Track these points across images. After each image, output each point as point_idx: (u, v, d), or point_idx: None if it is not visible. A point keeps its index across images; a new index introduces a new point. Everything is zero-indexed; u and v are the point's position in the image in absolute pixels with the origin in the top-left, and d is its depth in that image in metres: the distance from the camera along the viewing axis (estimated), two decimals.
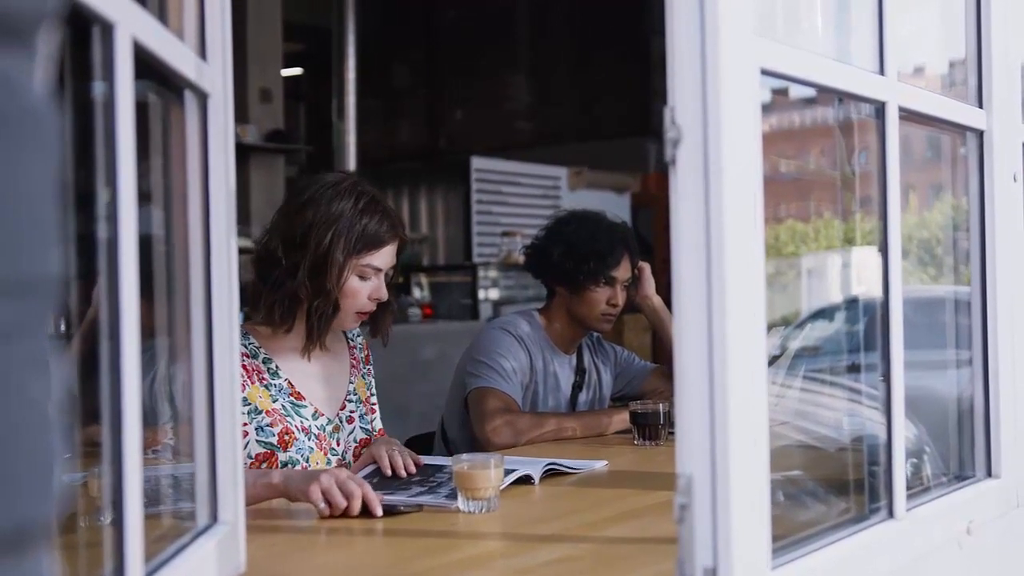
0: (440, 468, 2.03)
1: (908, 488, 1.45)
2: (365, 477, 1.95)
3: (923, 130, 1.77)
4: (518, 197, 8.17)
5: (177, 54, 1.12)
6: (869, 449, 1.56)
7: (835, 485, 1.63)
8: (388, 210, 2.16)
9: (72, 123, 0.96)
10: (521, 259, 3.22)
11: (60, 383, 0.54)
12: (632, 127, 8.58)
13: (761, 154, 1.12)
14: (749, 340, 1.10)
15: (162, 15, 1.15)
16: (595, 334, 2.97)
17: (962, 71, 1.77)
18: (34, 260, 0.52)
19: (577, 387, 2.91)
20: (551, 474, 2.07)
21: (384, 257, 2.13)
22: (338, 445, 2.17)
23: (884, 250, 1.42)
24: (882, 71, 1.41)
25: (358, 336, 2.33)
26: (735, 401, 1.07)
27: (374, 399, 2.34)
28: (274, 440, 2.06)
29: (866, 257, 1.71)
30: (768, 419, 1.14)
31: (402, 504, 1.79)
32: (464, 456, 1.84)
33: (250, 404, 2.06)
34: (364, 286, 2.11)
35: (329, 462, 2.13)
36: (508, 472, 1.93)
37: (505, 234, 7.65)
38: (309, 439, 2.11)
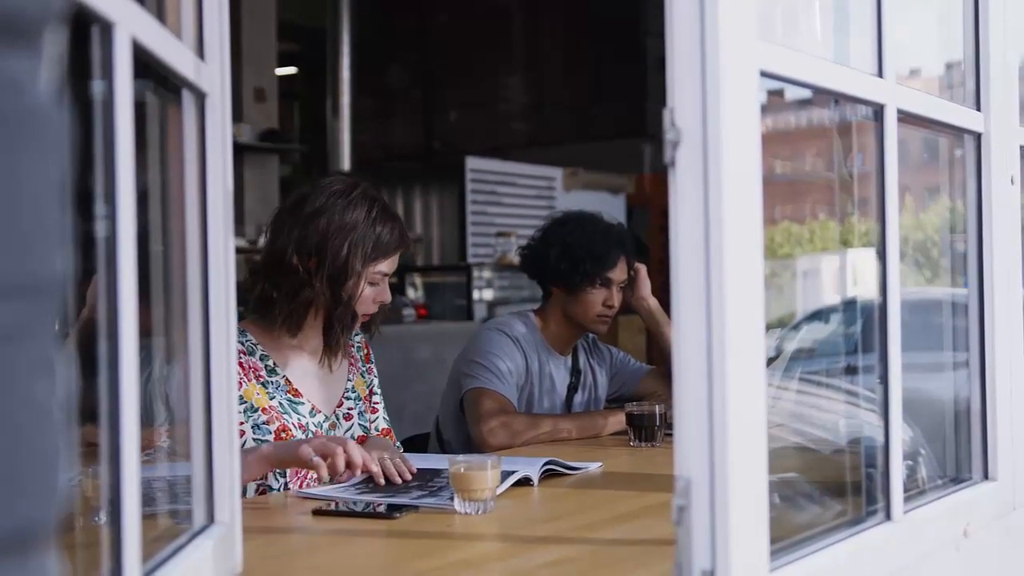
0: (438, 472, 2.03)
1: (904, 490, 1.45)
2: (360, 482, 1.94)
3: (918, 132, 1.77)
4: (513, 198, 8.17)
5: (175, 53, 1.12)
6: (866, 451, 1.56)
7: (832, 487, 1.63)
8: (397, 217, 2.20)
9: (71, 123, 0.95)
10: (516, 260, 3.22)
11: (64, 384, 0.54)
12: (627, 128, 8.59)
13: (760, 155, 1.12)
14: (748, 342, 1.10)
15: (160, 14, 1.15)
16: (591, 335, 2.97)
17: (960, 74, 1.77)
18: (40, 261, 0.51)
19: (573, 388, 2.91)
20: (548, 476, 2.07)
21: (393, 263, 2.18)
22: None
23: (882, 252, 1.42)
24: (881, 74, 1.41)
25: (357, 335, 2.34)
26: (734, 403, 1.07)
27: (376, 398, 2.35)
28: (270, 438, 2.07)
29: (862, 259, 1.71)
30: (767, 421, 1.14)
31: (401, 504, 1.79)
32: (460, 457, 1.83)
33: (246, 402, 2.06)
34: (372, 291, 2.14)
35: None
36: (507, 474, 1.93)
37: (500, 235, 7.65)
38: (306, 436, 2.12)
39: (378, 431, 2.27)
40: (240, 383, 2.07)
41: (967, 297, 1.75)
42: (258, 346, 2.14)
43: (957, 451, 1.76)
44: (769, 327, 2.05)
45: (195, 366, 1.25)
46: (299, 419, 2.12)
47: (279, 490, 2.07)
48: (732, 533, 1.06)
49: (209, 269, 1.25)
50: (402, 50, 9.83)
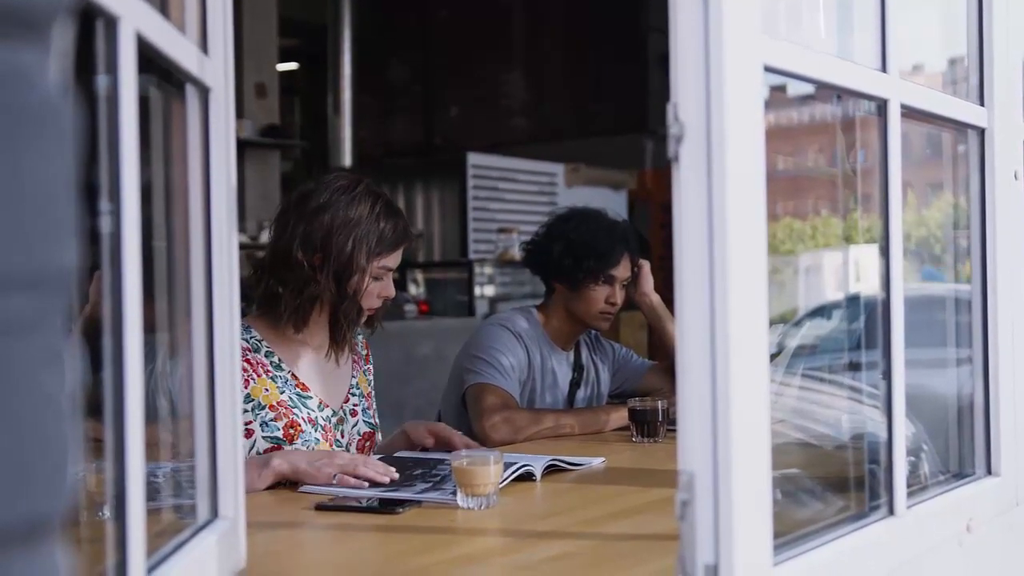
0: (441, 460, 2.03)
1: (907, 486, 1.45)
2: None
3: (921, 127, 1.77)
4: (514, 194, 8.16)
5: (179, 48, 1.12)
6: (869, 447, 1.56)
7: (835, 483, 1.63)
8: (400, 213, 2.21)
9: (78, 116, 0.95)
10: (517, 256, 3.22)
11: (73, 377, 0.54)
12: (628, 124, 8.59)
13: (764, 150, 1.12)
14: (751, 337, 1.10)
15: (164, 9, 1.15)
16: (593, 331, 2.97)
17: (963, 69, 1.77)
18: (49, 253, 0.51)
19: (575, 384, 2.91)
20: (551, 471, 2.07)
21: (397, 258, 2.19)
22: (342, 437, 2.20)
23: (885, 248, 1.42)
24: (884, 68, 1.41)
25: (359, 334, 2.35)
26: (737, 397, 1.07)
27: (372, 394, 2.36)
28: (279, 434, 2.07)
29: (864, 255, 1.71)
30: (769, 416, 1.14)
31: (404, 500, 1.79)
32: (463, 452, 1.83)
33: (253, 400, 2.07)
34: (376, 286, 2.15)
35: None
36: (508, 465, 1.93)
37: (501, 231, 7.64)
38: (316, 430, 2.12)
39: (360, 435, 2.27)
40: (247, 381, 2.07)
41: (970, 293, 1.75)
42: (263, 343, 2.15)
43: (960, 446, 1.76)
44: (771, 323, 2.05)
45: (199, 361, 1.25)
46: (308, 413, 2.13)
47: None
48: (735, 527, 1.06)
49: (212, 264, 1.25)
50: (403, 46, 9.83)
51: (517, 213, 7.97)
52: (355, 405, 2.26)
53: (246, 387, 2.06)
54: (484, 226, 7.94)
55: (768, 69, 1.15)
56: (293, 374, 2.15)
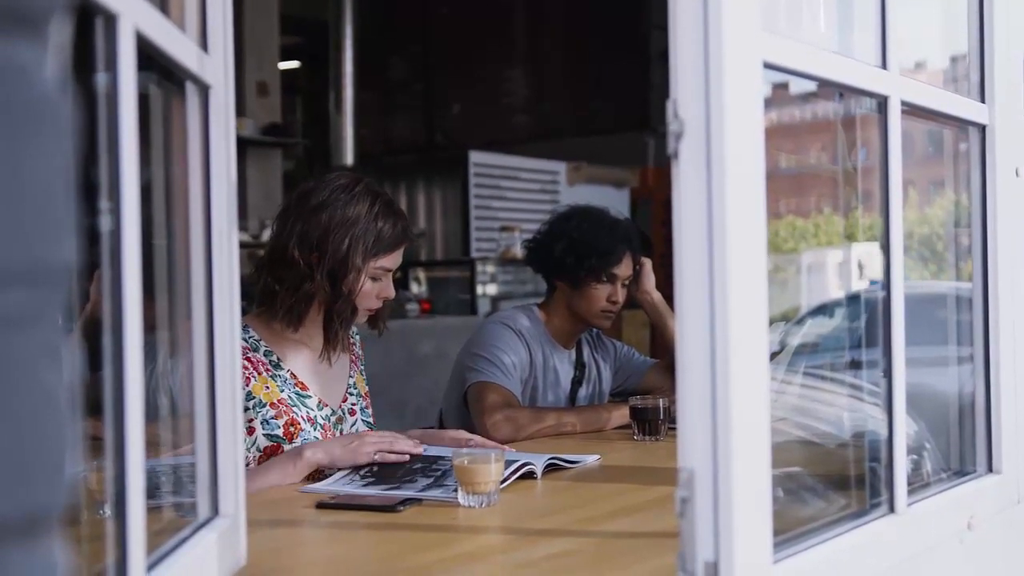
0: (441, 457, 2.03)
1: (909, 484, 1.45)
2: (364, 473, 1.95)
3: (923, 125, 1.76)
4: (516, 192, 8.17)
5: (179, 45, 1.12)
6: (870, 444, 1.56)
7: (836, 481, 1.63)
8: (400, 213, 2.21)
9: (76, 113, 0.95)
10: (519, 254, 3.22)
11: (72, 372, 0.54)
12: (630, 122, 8.58)
13: (763, 147, 1.12)
14: (751, 334, 1.10)
15: (164, 6, 1.15)
16: (595, 329, 2.97)
17: (965, 66, 1.76)
18: (47, 249, 0.51)
19: (577, 382, 2.91)
20: (551, 469, 2.07)
21: (396, 259, 2.18)
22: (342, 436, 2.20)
23: (886, 245, 1.42)
24: (884, 65, 1.41)
25: (356, 333, 2.36)
26: (737, 395, 1.07)
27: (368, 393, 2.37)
28: (279, 432, 2.08)
29: (866, 253, 1.71)
30: (770, 414, 1.14)
31: (405, 498, 1.79)
32: (464, 450, 1.83)
33: (254, 398, 2.07)
34: (375, 286, 2.15)
35: None
36: (510, 463, 1.93)
37: (503, 229, 7.65)
38: (315, 429, 2.13)
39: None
40: (248, 380, 2.08)
41: (971, 290, 1.75)
42: (261, 342, 2.15)
43: (961, 444, 1.76)
44: (774, 321, 2.05)
45: (199, 359, 1.25)
46: (307, 412, 2.13)
47: None
48: (735, 524, 1.06)
49: (213, 262, 1.25)
50: (404, 44, 9.83)
51: (519, 211, 7.98)
52: (353, 404, 2.27)
53: (247, 385, 2.06)
54: (486, 224, 7.94)
55: (768, 66, 1.15)
56: (292, 373, 2.15)
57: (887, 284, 1.43)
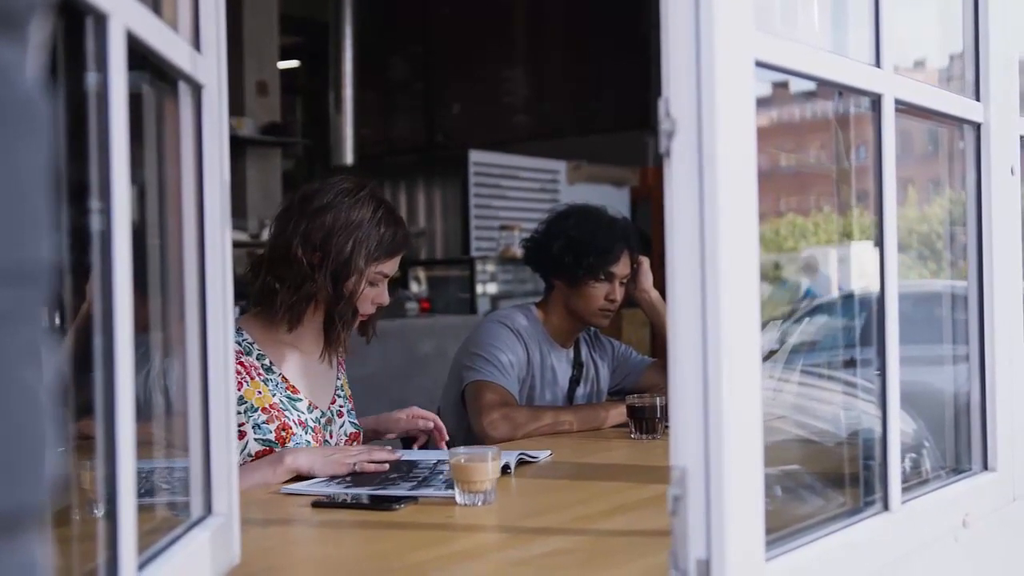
0: (415, 463, 2.06)
1: (907, 482, 1.45)
2: (340, 480, 1.96)
3: (923, 124, 1.77)
4: (516, 191, 8.17)
5: (171, 45, 1.12)
6: (866, 443, 1.56)
7: (831, 478, 1.63)
8: (401, 221, 2.23)
9: (66, 114, 0.96)
10: (519, 253, 3.22)
11: (53, 371, 0.54)
12: (631, 121, 8.58)
13: (756, 146, 1.12)
14: (743, 332, 1.10)
15: (156, 6, 1.15)
16: (593, 328, 2.97)
17: (961, 65, 1.76)
18: (27, 248, 0.52)
19: (575, 381, 2.91)
20: (550, 467, 2.08)
21: (394, 265, 2.21)
22: (331, 438, 2.21)
23: (880, 243, 1.42)
24: (878, 63, 1.41)
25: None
26: (729, 393, 1.07)
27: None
28: (271, 436, 2.08)
29: (865, 251, 1.71)
30: (763, 411, 1.14)
31: (400, 496, 1.79)
32: (461, 449, 1.84)
33: (246, 402, 2.08)
34: (371, 292, 2.17)
35: None
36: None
37: (503, 228, 7.65)
38: (306, 432, 2.14)
39: (347, 435, 2.29)
40: (240, 383, 2.08)
41: (967, 288, 1.75)
42: (254, 345, 2.16)
43: (957, 442, 1.76)
44: (772, 319, 2.05)
45: (192, 358, 1.25)
46: (298, 416, 2.14)
47: None
48: (727, 522, 1.06)
49: (206, 262, 1.25)
50: (404, 43, 9.83)
51: (519, 210, 7.98)
52: (341, 406, 2.28)
53: (239, 389, 2.07)
54: (486, 223, 7.95)
55: (760, 64, 1.15)
56: (283, 376, 2.16)
57: (881, 282, 1.43)
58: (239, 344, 2.12)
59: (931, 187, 2.01)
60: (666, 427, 2.47)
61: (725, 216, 1.06)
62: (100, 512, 1.00)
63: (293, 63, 9.55)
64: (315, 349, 2.22)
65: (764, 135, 1.15)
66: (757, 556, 1.12)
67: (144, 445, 1.29)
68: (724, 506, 1.06)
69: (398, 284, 6.87)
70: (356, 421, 2.32)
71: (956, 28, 1.76)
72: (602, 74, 8.93)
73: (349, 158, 7.74)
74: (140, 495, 1.03)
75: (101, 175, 0.92)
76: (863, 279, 1.81)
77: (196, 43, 1.23)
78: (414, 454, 2.15)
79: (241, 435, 2.06)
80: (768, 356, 2.04)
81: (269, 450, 2.07)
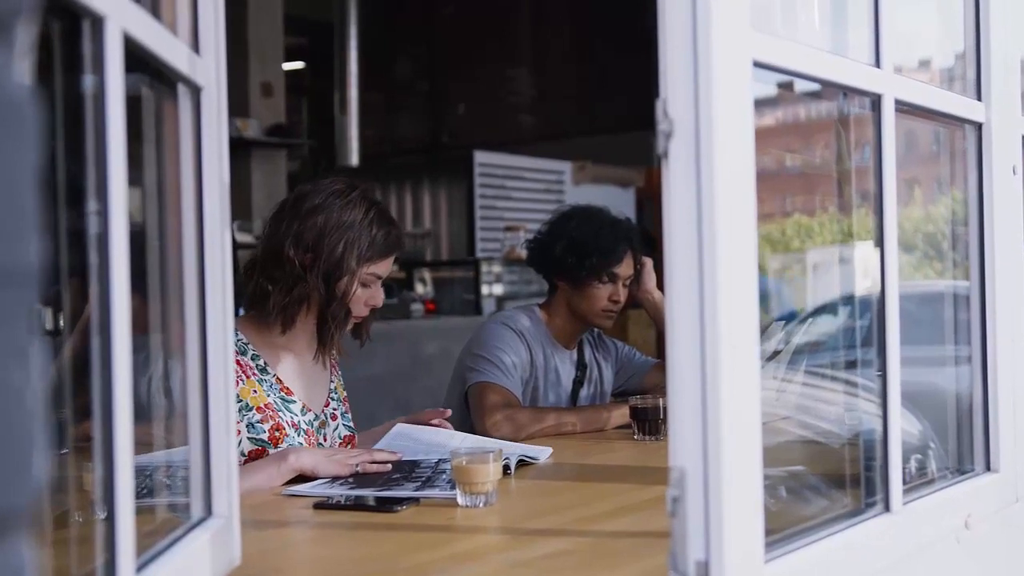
0: (417, 463, 2.05)
1: (911, 482, 1.45)
2: (343, 481, 1.96)
3: (928, 124, 1.76)
4: (521, 192, 8.17)
5: (169, 47, 1.12)
6: (867, 443, 1.56)
7: (833, 479, 1.63)
8: (393, 222, 2.23)
9: (63, 117, 0.96)
10: (524, 254, 3.22)
11: (41, 373, 0.54)
12: (636, 121, 8.54)
13: (754, 147, 1.12)
14: (741, 333, 1.10)
15: (155, 9, 1.15)
16: (596, 329, 2.97)
17: (962, 65, 1.76)
18: (14, 250, 0.52)
19: (578, 382, 2.91)
20: (552, 469, 2.08)
21: (386, 267, 2.20)
22: (324, 441, 2.21)
23: (880, 244, 1.42)
24: (878, 64, 1.40)
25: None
26: (727, 394, 1.07)
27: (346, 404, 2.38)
28: (264, 436, 2.09)
29: (868, 252, 1.70)
30: (761, 412, 1.14)
31: (403, 497, 1.79)
32: (463, 450, 1.84)
33: (241, 401, 2.08)
34: (364, 293, 2.16)
35: None
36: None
37: (508, 229, 7.65)
38: (299, 434, 2.14)
39: (341, 438, 2.29)
40: (237, 382, 2.08)
41: (969, 289, 1.74)
42: (249, 345, 2.16)
43: (959, 443, 1.76)
44: (778, 319, 2.05)
45: (192, 360, 1.25)
46: (292, 417, 2.15)
47: None
48: (726, 524, 1.06)
49: (205, 263, 1.25)
50: (409, 44, 9.83)
51: (524, 211, 7.98)
52: (335, 409, 2.29)
53: (235, 387, 2.07)
54: (491, 224, 7.94)
55: (758, 65, 1.15)
56: (278, 378, 2.17)
57: (882, 282, 1.42)
58: (235, 344, 2.13)
59: (937, 187, 2.01)
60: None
61: (723, 217, 1.06)
62: (104, 514, 1.00)
63: (298, 64, 9.55)
64: (309, 352, 2.22)
65: (770, 135, 1.15)
66: (756, 557, 1.12)
67: (147, 447, 1.29)
68: (723, 507, 1.06)
69: (403, 286, 6.87)
70: (350, 424, 2.32)
71: (956, 27, 1.76)
72: (607, 74, 8.92)
73: (354, 159, 7.74)
74: (140, 495, 1.04)
75: (98, 177, 0.92)
76: (867, 279, 1.81)
77: (195, 45, 1.23)
78: (412, 454, 2.14)
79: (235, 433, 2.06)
80: (772, 356, 2.04)
81: (262, 450, 2.07)
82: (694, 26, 1.06)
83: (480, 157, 8.04)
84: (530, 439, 2.54)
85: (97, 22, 0.91)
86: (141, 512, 1.02)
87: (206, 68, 1.24)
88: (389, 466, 2.02)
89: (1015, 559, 1.79)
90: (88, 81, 0.93)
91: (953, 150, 1.83)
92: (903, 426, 1.51)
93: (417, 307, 6.41)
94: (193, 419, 1.25)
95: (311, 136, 8.09)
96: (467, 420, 2.69)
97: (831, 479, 1.62)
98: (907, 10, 1.58)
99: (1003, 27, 1.70)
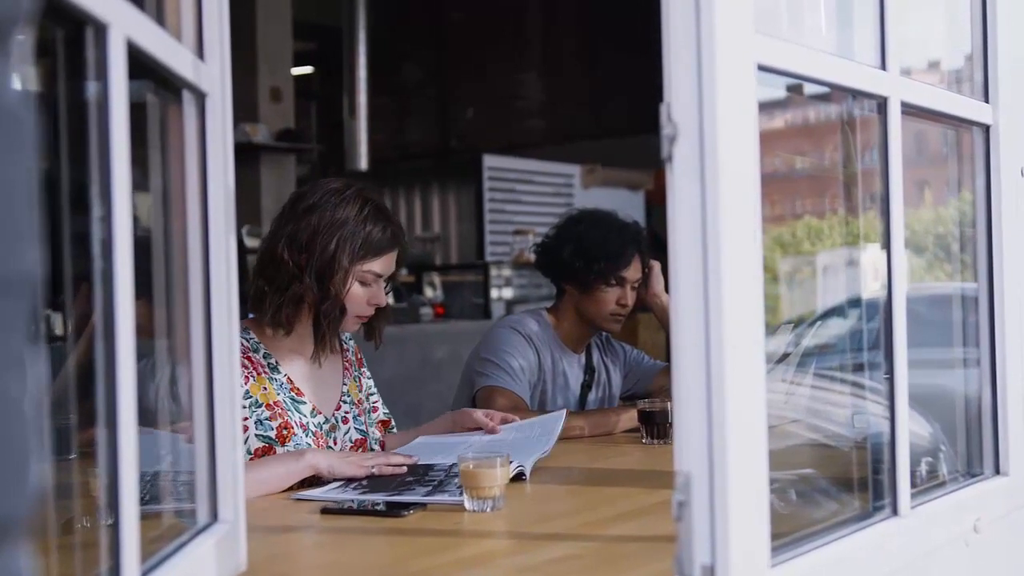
0: (431, 467, 2.05)
1: (921, 486, 1.44)
2: (357, 485, 1.95)
3: (937, 126, 1.75)
4: (530, 195, 8.16)
5: (173, 54, 1.13)
6: (876, 447, 1.55)
7: (842, 483, 1.62)
8: (391, 218, 2.21)
9: (68, 123, 0.96)
10: (533, 258, 3.23)
11: (39, 381, 0.54)
12: (645, 124, 8.53)
13: (758, 150, 1.12)
14: (747, 337, 1.09)
15: (159, 15, 1.16)
16: (604, 333, 2.97)
17: (970, 67, 1.75)
18: (11, 258, 0.52)
19: (587, 386, 2.91)
20: (560, 473, 2.07)
21: (385, 264, 2.18)
22: (335, 444, 2.21)
23: (887, 246, 1.42)
24: (884, 66, 1.40)
25: (350, 339, 2.37)
26: (733, 398, 1.06)
27: (374, 397, 2.38)
28: (272, 434, 2.09)
29: (877, 254, 1.70)
30: (770, 415, 1.14)
31: (410, 502, 1.79)
32: (470, 455, 1.83)
33: (251, 397, 2.08)
34: (364, 292, 2.16)
35: None
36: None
37: (517, 232, 7.64)
38: (307, 436, 2.14)
39: (376, 422, 2.34)
40: (247, 378, 2.09)
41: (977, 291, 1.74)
42: (261, 344, 2.16)
43: (968, 446, 1.75)
44: (788, 322, 2.04)
45: (198, 365, 1.26)
46: (300, 418, 2.15)
47: None
48: (732, 528, 1.06)
49: (211, 269, 1.25)
50: (418, 49, 9.84)
51: (533, 215, 7.98)
52: (346, 413, 2.28)
53: (245, 383, 2.08)
54: (500, 228, 7.94)
55: (763, 68, 1.14)
56: (288, 378, 2.17)
57: (888, 285, 1.42)
58: (246, 342, 2.14)
59: (947, 189, 2.00)
60: None
61: (727, 220, 1.06)
62: (110, 520, 1.01)
63: (307, 69, 9.57)
64: (319, 355, 2.22)
65: (779, 138, 1.14)
66: (762, 561, 1.12)
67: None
68: (728, 512, 1.06)
69: (412, 289, 6.88)
70: (363, 428, 2.31)
71: (963, 29, 1.75)
72: (616, 77, 8.92)
73: (363, 163, 7.75)
74: (145, 501, 1.04)
75: (102, 183, 0.92)
76: (876, 282, 1.80)
77: (199, 51, 1.24)
78: (428, 458, 2.14)
79: (243, 429, 2.06)
80: (782, 359, 2.03)
81: (270, 448, 2.07)
82: (698, 30, 1.06)
83: (489, 161, 8.04)
84: None
85: (101, 29, 0.92)
86: (147, 517, 1.02)
87: (211, 74, 1.25)
88: (404, 469, 2.02)
89: None
90: (92, 88, 0.94)
91: (963, 152, 1.82)
92: (914, 429, 1.50)
93: (426, 311, 6.41)
94: (199, 425, 1.25)
95: (320, 140, 8.10)
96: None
97: (840, 482, 1.62)
98: (916, 12, 1.57)
99: (1011, 29, 1.69)
